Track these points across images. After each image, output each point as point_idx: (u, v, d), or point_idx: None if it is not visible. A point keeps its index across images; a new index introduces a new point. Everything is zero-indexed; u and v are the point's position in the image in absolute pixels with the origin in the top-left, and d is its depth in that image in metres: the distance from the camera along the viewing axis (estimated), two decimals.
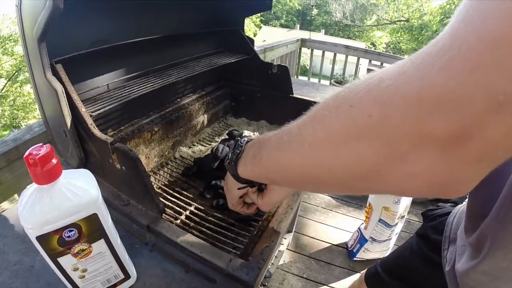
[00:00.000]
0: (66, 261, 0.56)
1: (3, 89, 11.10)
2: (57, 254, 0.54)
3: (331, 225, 2.52)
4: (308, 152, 0.41)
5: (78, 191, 0.52)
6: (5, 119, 11.10)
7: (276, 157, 0.50)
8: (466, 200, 0.71)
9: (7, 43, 10.76)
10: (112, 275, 0.63)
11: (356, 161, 0.36)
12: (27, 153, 0.47)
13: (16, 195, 1.16)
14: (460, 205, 0.86)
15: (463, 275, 0.66)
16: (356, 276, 2.10)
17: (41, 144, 0.49)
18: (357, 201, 2.77)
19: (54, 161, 0.48)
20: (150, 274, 0.71)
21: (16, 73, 11.19)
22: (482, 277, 0.62)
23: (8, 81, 11.16)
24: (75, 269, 0.58)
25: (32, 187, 0.51)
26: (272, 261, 1.82)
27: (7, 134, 10.11)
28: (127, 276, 0.66)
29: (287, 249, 2.18)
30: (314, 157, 0.41)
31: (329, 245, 2.35)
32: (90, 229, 0.54)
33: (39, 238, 0.51)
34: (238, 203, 0.78)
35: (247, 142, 0.63)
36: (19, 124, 11.19)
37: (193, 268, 0.71)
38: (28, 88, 11.24)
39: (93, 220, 0.54)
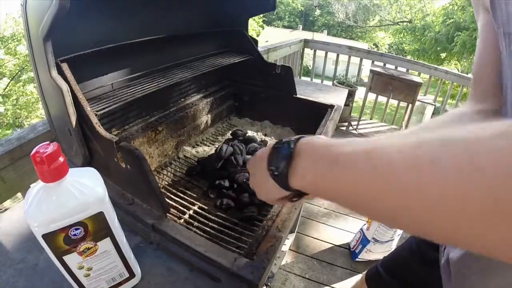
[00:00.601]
0: (72, 259, 0.56)
1: (6, 88, 11.11)
2: (62, 252, 0.54)
3: (333, 225, 2.52)
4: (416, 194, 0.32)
5: (84, 190, 0.52)
6: (8, 118, 11.11)
7: (353, 179, 0.39)
8: None
9: (10, 43, 10.78)
10: (117, 274, 0.63)
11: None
12: (34, 151, 0.47)
13: (19, 194, 1.16)
14: None
15: (457, 262, 0.66)
16: (358, 277, 2.09)
17: (48, 142, 0.49)
18: None
19: (61, 159, 0.48)
20: (155, 273, 0.71)
21: (19, 72, 11.20)
22: (475, 263, 0.61)
23: (11, 80, 11.18)
24: (81, 268, 0.58)
25: (39, 185, 0.51)
26: (275, 261, 1.82)
27: (10, 133, 10.13)
28: (132, 275, 0.66)
29: (289, 249, 2.18)
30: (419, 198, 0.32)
31: (331, 245, 2.34)
32: (96, 227, 0.54)
33: (45, 236, 0.51)
34: (274, 201, 0.65)
35: (295, 143, 0.50)
36: (22, 124, 11.20)
37: (198, 267, 0.71)
38: (31, 87, 11.25)
39: (99, 218, 0.54)
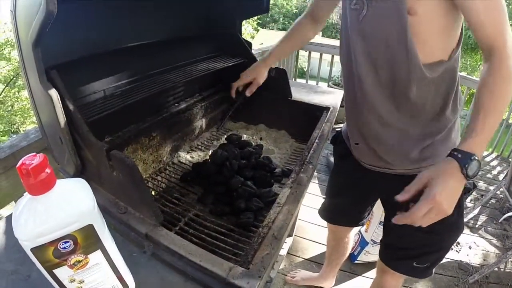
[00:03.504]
0: (62, 272, 0.54)
1: (1, 94, 11.06)
2: (52, 266, 0.53)
3: None
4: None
5: (73, 202, 0.50)
6: (4, 125, 11.05)
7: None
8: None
9: (4, 48, 10.73)
10: (110, 286, 0.62)
11: None
12: (20, 163, 0.46)
13: (13, 202, 1.15)
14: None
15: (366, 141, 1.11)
16: (357, 279, 2.09)
17: (34, 153, 0.47)
18: None
19: (48, 170, 0.47)
20: (149, 284, 0.70)
21: (14, 78, 11.15)
22: (370, 135, 1.07)
23: (6, 86, 11.13)
24: (72, 281, 0.56)
25: (27, 197, 0.49)
26: (273, 266, 1.80)
27: (5, 139, 10.08)
28: (125, 286, 0.65)
29: (287, 253, 2.17)
30: None
31: None
32: (86, 240, 0.53)
33: (34, 250, 0.50)
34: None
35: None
36: (18, 130, 11.14)
37: (193, 277, 0.70)
38: (26, 93, 11.20)
39: (88, 231, 0.52)
